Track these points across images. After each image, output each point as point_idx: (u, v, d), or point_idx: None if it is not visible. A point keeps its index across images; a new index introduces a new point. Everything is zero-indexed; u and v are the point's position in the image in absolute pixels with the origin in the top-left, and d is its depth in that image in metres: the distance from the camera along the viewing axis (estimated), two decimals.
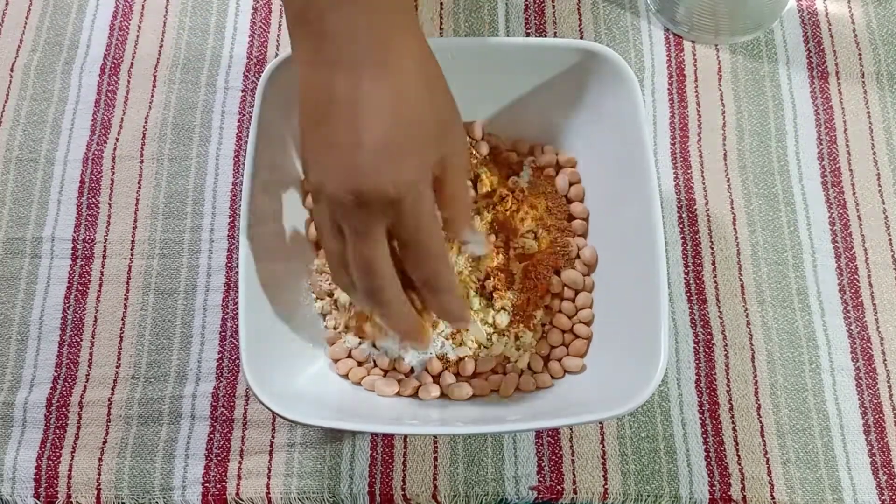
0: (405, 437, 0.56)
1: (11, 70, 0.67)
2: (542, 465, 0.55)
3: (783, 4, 0.65)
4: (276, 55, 0.64)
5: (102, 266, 0.61)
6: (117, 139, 0.64)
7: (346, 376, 0.55)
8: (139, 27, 0.68)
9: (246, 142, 0.63)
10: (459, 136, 0.48)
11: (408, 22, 0.45)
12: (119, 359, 0.58)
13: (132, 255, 0.61)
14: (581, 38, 0.66)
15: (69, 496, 0.55)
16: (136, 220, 0.62)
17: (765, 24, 0.66)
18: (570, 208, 0.58)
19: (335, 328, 0.56)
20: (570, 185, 0.58)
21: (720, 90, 0.64)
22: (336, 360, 0.55)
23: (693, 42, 0.66)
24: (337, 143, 0.42)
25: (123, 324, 0.59)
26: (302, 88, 0.44)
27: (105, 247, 0.61)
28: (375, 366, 0.55)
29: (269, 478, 0.55)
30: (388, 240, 0.44)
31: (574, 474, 0.55)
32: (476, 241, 0.51)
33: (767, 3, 0.64)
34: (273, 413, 0.49)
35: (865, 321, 0.58)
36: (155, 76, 0.66)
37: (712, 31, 0.65)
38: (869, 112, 0.64)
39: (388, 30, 0.43)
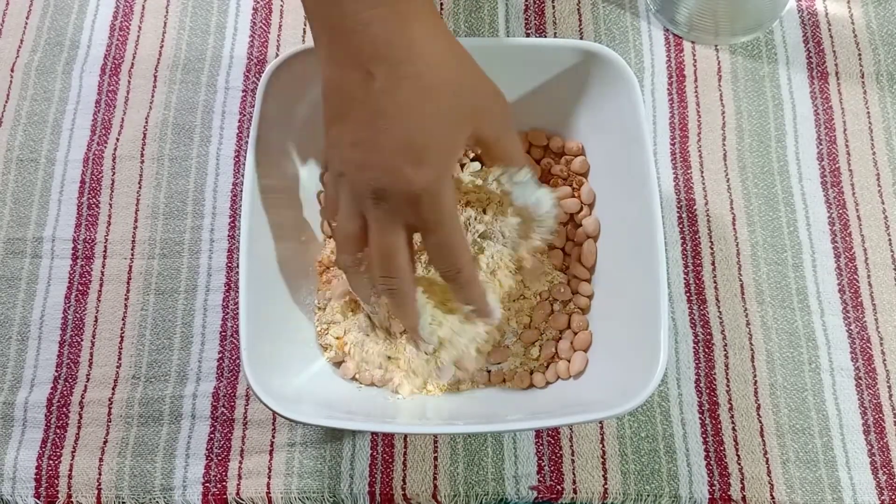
0: (405, 436, 0.56)
1: (12, 70, 0.67)
2: (542, 464, 0.55)
3: (783, 5, 0.65)
4: (277, 55, 0.64)
5: (103, 266, 0.61)
6: (118, 139, 0.64)
7: (353, 378, 0.55)
8: (140, 27, 0.68)
9: (246, 142, 0.63)
10: (498, 106, 0.48)
11: (424, 8, 0.44)
12: (119, 359, 0.58)
13: (133, 255, 0.61)
14: (581, 38, 0.67)
15: (69, 496, 0.55)
16: (136, 220, 0.62)
17: (764, 24, 0.66)
18: (573, 165, 0.58)
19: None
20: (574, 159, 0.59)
21: (720, 90, 0.65)
22: (338, 364, 0.55)
23: (693, 42, 0.66)
24: (357, 141, 0.43)
25: (124, 324, 0.59)
26: (323, 81, 0.45)
27: (105, 247, 0.61)
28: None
29: (269, 477, 0.55)
30: (409, 232, 0.46)
31: (574, 474, 0.55)
32: (536, 193, 0.51)
33: (767, 3, 0.64)
34: (273, 413, 0.49)
35: (865, 321, 0.58)
36: (155, 76, 0.66)
37: (712, 32, 0.65)
38: (868, 112, 0.64)
39: (402, 21, 0.42)
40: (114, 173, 0.63)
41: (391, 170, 0.43)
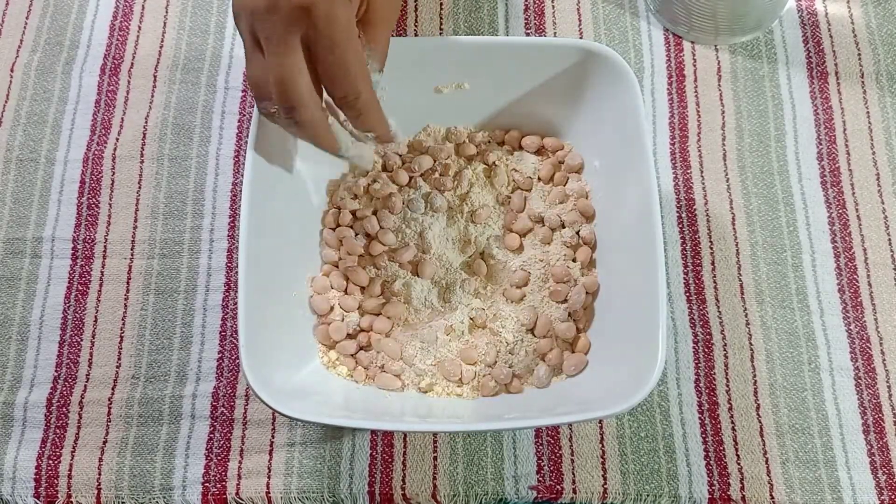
0: (405, 436, 0.56)
1: (12, 70, 0.67)
2: (542, 464, 0.55)
3: (782, 4, 0.65)
4: None
5: (103, 266, 0.61)
6: (117, 139, 0.64)
7: (350, 376, 0.55)
8: (139, 27, 0.68)
9: (246, 142, 0.63)
10: None
11: None
12: (119, 359, 0.59)
13: (132, 255, 0.61)
14: (581, 37, 0.67)
15: (69, 496, 0.55)
16: (136, 220, 0.62)
17: (764, 24, 0.66)
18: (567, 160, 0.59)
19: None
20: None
21: (720, 90, 0.65)
22: (329, 347, 0.56)
23: (693, 42, 0.66)
24: None
25: (123, 324, 0.59)
26: None
27: (105, 247, 0.61)
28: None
29: (268, 477, 0.55)
30: (306, 53, 0.44)
31: (573, 474, 0.55)
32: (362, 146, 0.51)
33: (767, 3, 0.64)
34: (272, 410, 0.49)
35: (864, 321, 0.58)
36: (155, 76, 0.66)
37: (712, 32, 0.65)
38: (868, 112, 0.64)
39: None
40: (113, 173, 0.63)
41: None
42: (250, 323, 0.49)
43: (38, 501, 0.55)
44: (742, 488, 0.54)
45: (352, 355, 0.55)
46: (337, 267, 0.57)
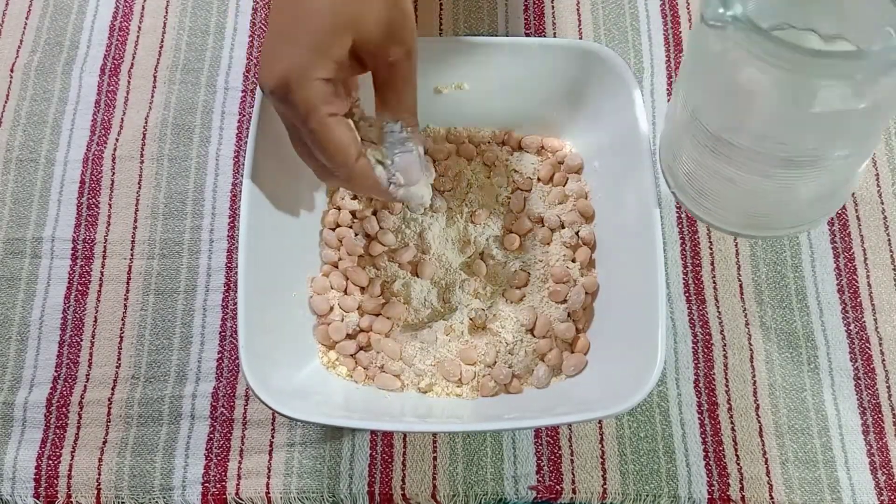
0: (404, 436, 0.56)
1: (11, 70, 0.67)
2: (542, 464, 0.55)
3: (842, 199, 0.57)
4: None
5: (102, 266, 0.61)
6: (117, 139, 0.64)
7: (350, 376, 0.55)
8: (139, 28, 0.68)
9: (246, 142, 0.63)
10: (391, 13, 0.45)
11: None
12: (119, 359, 0.59)
13: (132, 255, 0.61)
14: (580, 38, 0.67)
15: (69, 496, 0.55)
16: (136, 221, 0.62)
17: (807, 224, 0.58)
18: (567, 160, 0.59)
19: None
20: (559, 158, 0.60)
21: None
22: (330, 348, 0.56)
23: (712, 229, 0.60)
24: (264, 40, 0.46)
25: (123, 324, 0.59)
26: None
27: (105, 247, 0.61)
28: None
29: (268, 477, 0.55)
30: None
31: (573, 474, 0.55)
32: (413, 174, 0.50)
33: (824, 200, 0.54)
34: (272, 411, 0.49)
35: (864, 321, 0.58)
36: (155, 77, 0.66)
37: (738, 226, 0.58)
38: None
39: None
40: (113, 173, 0.63)
41: (263, 59, 0.45)
42: (250, 323, 0.49)
43: (37, 501, 0.55)
44: (741, 489, 0.54)
45: (351, 355, 0.55)
46: (337, 267, 0.57)
